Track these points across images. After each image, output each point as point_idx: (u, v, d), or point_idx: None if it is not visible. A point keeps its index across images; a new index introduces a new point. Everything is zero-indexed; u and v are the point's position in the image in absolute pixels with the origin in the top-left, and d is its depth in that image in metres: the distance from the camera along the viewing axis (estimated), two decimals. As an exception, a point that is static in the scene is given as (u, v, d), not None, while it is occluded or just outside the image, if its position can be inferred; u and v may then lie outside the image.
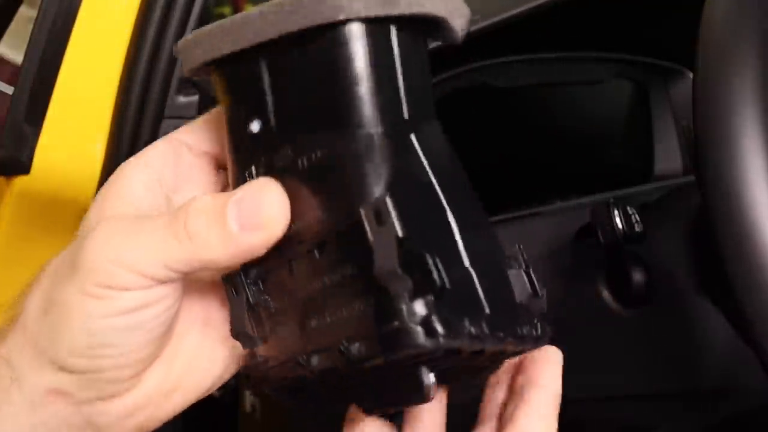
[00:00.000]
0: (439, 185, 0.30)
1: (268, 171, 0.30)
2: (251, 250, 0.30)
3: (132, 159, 0.33)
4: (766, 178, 0.38)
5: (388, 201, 0.27)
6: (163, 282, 0.30)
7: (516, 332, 0.30)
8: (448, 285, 0.27)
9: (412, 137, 0.29)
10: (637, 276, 0.57)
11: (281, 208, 0.29)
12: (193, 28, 0.60)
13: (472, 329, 0.28)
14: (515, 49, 0.74)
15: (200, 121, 0.35)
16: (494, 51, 0.73)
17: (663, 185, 0.79)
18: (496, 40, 0.65)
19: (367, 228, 0.27)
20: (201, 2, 0.60)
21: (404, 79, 0.29)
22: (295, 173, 0.30)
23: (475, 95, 0.74)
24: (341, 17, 0.27)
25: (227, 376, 0.35)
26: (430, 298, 0.27)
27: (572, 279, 0.62)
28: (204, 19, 0.61)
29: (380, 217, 0.27)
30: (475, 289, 0.29)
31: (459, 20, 0.30)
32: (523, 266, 0.32)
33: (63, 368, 0.30)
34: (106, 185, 0.33)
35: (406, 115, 0.29)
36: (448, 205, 0.29)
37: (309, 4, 0.27)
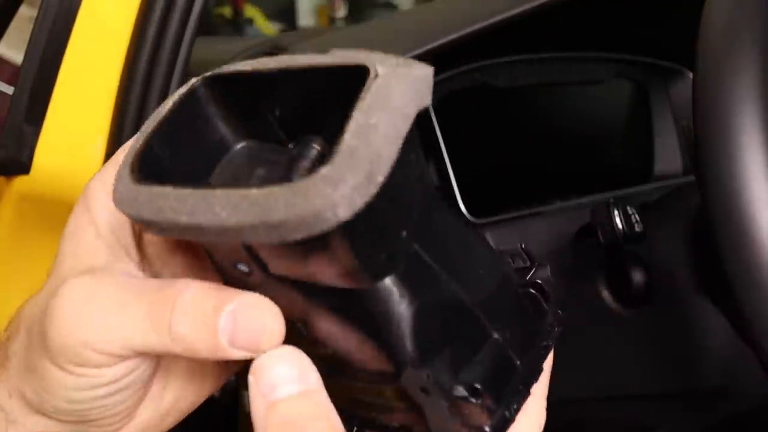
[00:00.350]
0: (446, 271, 0.28)
1: (266, 292, 0.28)
2: (237, 359, 0.28)
3: (98, 182, 0.31)
4: (765, 178, 0.38)
5: (430, 374, 0.26)
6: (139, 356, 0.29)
7: (541, 361, 0.31)
8: (496, 404, 0.28)
9: (416, 247, 0.27)
10: (637, 276, 0.57)
11: (275, 334, 0.27)
12: (193, 28, 0.60)
13: (515, 406, 0.29)
14: (515, 49, 0.74)
15: None
16: (494, 51, 0.73)
17: (663, 185, 0.79)
18: (496, 40, 0.65)
19: (415, 397, 0.27)
20: (201, 2, 0.60)
21: (400, 211, 0.26)
22: (302, 302, 0.28)
23: (475, 95, 0.74)
24: (328, 228, 0.23)
25: (222, 384, 0.34)
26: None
27: (572, 279, 0.62)
28: (204, 20, 0.61)
29: (426, 390, 0.27)
30: (507, 352, 0.29)
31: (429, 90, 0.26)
32: (528, 263, 0.32)
33: (52, 418, 0.30)
34: (76, 214, 0.31)
35: (405, 235, 0.27)
36: (461, 286, 0.28)
37: (290, 219, 0.22)
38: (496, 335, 0.29)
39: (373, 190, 0.23)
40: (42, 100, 0.58)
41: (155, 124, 0.28)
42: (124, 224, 0.31)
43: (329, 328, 0.27)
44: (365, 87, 0.24)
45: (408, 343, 0.26)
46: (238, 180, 0.29)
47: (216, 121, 0.30)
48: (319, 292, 0.26)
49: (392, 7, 3.32)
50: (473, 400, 0.27)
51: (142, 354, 0.28)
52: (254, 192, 0.23)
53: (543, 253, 0.65)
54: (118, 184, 0.26)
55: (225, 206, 0.23)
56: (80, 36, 0.58)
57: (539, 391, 0.31)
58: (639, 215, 0.56)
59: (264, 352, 0.27)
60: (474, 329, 0.29)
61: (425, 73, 0.25)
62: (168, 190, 0.25)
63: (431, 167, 0.67)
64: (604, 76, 0.82)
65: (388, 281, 0.26)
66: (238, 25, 3.20)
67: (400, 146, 0.24)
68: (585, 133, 0.83)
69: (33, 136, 0.58)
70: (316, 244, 0.24)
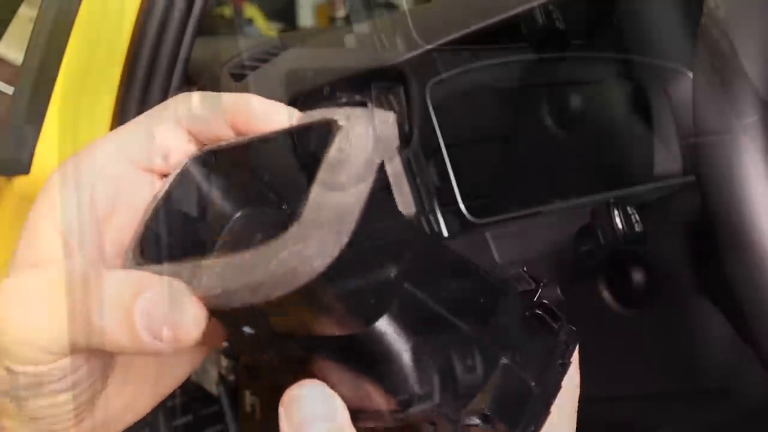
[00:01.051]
0: (444, 308, 0.29)
1: (273, 350, 0.29)
2: (165, 354, 0.27)
3: (60, 173, 0.31)
4: (765, 178, 0.38)
5: (435, 408, 0.27)
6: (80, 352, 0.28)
7: (558, 379, 0.31)
8: (511, 428, 0.28)
9: (407, 285, 0.28)
10: (637, 276, 0.57)
11: (196, 324, 0.26)
12: (193, 29, 0.60)
13: (532, 428, 0.29)
14: (515, 49, 0.74)
15: (144, 126, 0.31)
16: (494, 51, 0.73)
17: (663, 185, 0.79)
18: (496, 40, 0.65)
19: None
20: (201, 2, 0.60)
21: (382, 253, 0.27)
22: (307, 355, 0.28)
23: (475, 95, 0.74)
24: (307, 281, 0.24)
25: (185, 377, 0.34)
26: None
27: (572, 279, 0.62)
28: (204, 20, 0.61)
29: (434, 423, 0.27)
30: (519, 376, 0.29)
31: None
32: (533, 285, 0.32)
33: (2, 415, 0.29)
34: (37, 203, 0.30)
35: (393, 274, 0.27)
36: (461, 318, 0.29)
37: (269, 279, 0.24)
38: (505, 360, 0.29)
39: (344, 239, 0.24)
40: (42, 100, 0.58)
41: (153, 208, 0.29)
42: (84, 218, 0.30)
43: (336, 374, 0.28)
44: (329, 141, 0.26)
45: (410, 379, 0.27)
46: (238, 248, 0.30)
47: (211, 195, 0.31)
48: (321, 342, 0.27)
49: (392, 7, 3.32)
50: (484, 427, 0.28)
51: (76, 351, 0.28)
52: (235, 258, 0.25)
53: (543, 253, 0.65)
54: (124, 266, 0.28)
55: (211, 275, 0.25)
56: (80, 36, 0.58)
57: (568, 407, 0.31)
58: (639, 215, 0.56)
59: (189, 343, 0.26)
60: (481, 357, 0.29)
61: (387, 119, 0.27)
62: (164, 266, 0.27)
63: (431, 167, 0.67)
64: (604, 76, 0.82)
65: (382, 321, 0.27)
66: (238, 25, 3.20)
67: (366, 193, 0.25)
68: (584, 132, 0.83)
69: (33, 136, 0.58)
70: (303, 298, 0.25)
